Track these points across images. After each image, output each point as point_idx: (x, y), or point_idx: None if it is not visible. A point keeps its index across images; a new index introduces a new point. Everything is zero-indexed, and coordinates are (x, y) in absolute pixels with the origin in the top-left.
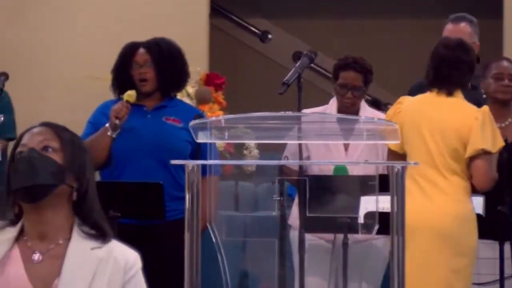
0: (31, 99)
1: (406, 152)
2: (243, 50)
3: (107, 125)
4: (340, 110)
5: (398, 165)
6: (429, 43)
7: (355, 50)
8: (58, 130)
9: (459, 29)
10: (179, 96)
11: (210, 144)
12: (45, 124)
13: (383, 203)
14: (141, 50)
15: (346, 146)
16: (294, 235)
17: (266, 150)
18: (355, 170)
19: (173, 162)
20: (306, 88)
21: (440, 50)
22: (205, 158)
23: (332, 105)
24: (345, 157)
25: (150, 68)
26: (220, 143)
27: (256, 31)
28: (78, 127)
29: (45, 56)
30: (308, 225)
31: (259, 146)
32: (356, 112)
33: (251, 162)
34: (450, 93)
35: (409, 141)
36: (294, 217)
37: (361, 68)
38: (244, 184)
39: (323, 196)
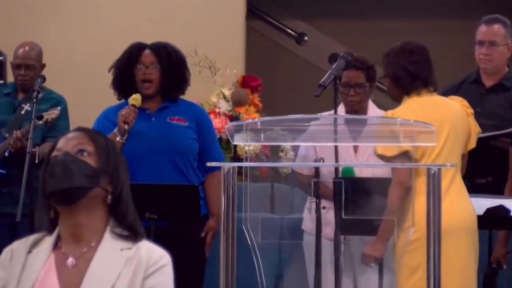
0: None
1: (418, 153)
2: (279, 52)
3: (115, 130)
4: (346, 112)
5: (434, 167)
6: (462, 44)
7: None
8: (92, 135)
9: (493, 30)
10: (214, 98)
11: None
12: (80, 129)
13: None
14: (148, 51)
15: (355, 148)
16: (307, 239)
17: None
18: (363, 172)
19: (210, 164)
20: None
21: (421, 53)
22: (213, 155)
23: (340, 110)
24: (355, 158)
25: (156, 70)
26: (256, 145)
27: (292, 33)
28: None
29: (76, 60)
30: (343, 228)
31: (295, 148)
32: (364, 112)
33: (286, 164)
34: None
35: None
36: (306, 221)
37: (362, 65)
38: (280, 186)
39: (359, 198)
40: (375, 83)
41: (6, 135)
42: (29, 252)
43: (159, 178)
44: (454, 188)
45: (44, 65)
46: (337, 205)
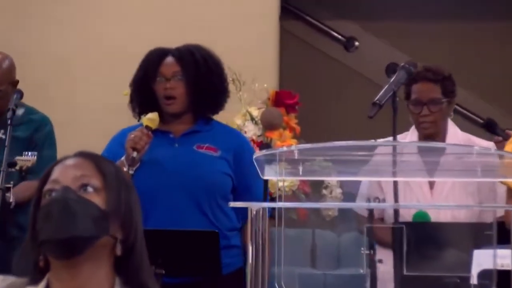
0: (61, 122)
1: None
2: (322, 60)
3: (122, 158)
4: (420, 137)
5: None
6: None
7: (461, 60)
8: (99, 163)
9: None
10: (239, 120)
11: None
12: (83, 155)
13: (503, 258)
14: (169, 59)
15: (431, 183)
16: None
17: (352, 190)
18: (441, 215)
19: (232, 204)
20: (403, 109)
21: None
22: (253, 195)
23: (412, 134)
24: (431, 197)
25: (180, 82)
26: (292, 181)
27: (339, 37)
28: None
29: (77, 67)
30: (404, 286)
31: (342, 184)
32: (442, 137)
33: (332, 205)
34: None
35: None
36: None
37: (436, 75)
38: (324, 233)
39: (425, 249)
40: (455, 98)
41: None
42: None
43: (177, 222)
44: None
45: (16, 82)
46: (397, 258)
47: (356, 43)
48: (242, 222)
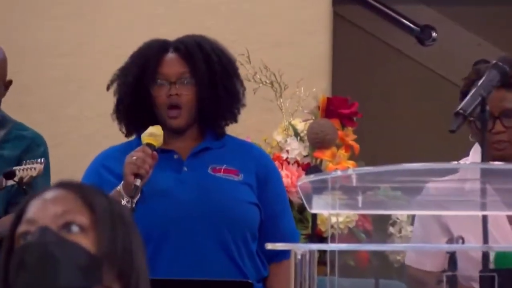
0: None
1: None
2: (388, 57)
3: (119, 187)
4: (490, 159)
5: None
6: None
7: None
8: (86, 194)
9: None
10: (279, 135)
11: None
12: (65, 185)
13: None
14: (172, 56)
15: (509, 218)
16: None
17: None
18: None
19: (271, 246)
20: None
21: None
22: (284, 231)
23: (474, 156)
24: None
25: (188, 87)
26: (349, 215)
27: (411, 25)
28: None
29: (68, 69)
30: None
31: (414, 219)
32: None
33: (401, 246)
34: None
35: None
36: None
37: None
38: (391, 284)
39: None
40: None
41: None
42: None
43: (195, 268)
44: None
45: (9, 82)
46: None
47: (434, 34)
48: (267, 269)
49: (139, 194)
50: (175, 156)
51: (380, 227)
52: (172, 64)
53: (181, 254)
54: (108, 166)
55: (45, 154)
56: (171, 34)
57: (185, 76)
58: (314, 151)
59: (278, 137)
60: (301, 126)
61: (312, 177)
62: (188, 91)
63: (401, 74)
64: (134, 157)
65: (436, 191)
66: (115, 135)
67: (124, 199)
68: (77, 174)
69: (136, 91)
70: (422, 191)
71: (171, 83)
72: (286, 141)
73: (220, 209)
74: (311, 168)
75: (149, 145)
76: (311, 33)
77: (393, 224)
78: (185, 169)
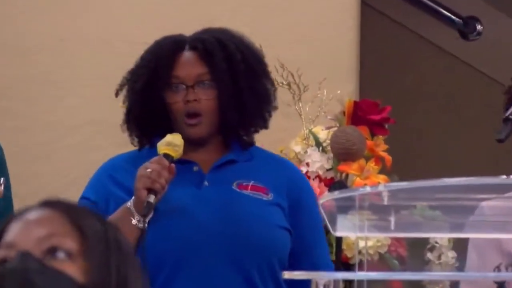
0: (26, 147)
1: None
2: (425, 53)
3: (129, 204)
4: None
5: None
6: None
7: None
8: (75, 216)
9: None
10: (298, 145)
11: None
12: (51, 204)
13: None
14: (189, 55)
15: None
16: None
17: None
18: None
19: (288, 275)
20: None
21: None
22: (317, 261)
23: None
24: None
25: (208, 91)
26: (379, 239)
27: (452, 17)
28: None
29: (50, 68)
30: None
31: (456, 244)
32: None
33: (441, 275)
34: None
35: None
36: None
37: None
38: None
39: None
40: None
41: None
42: None
43: None
44: None
45: None
46: None
47: (479, 27)
48: None
49: (152, 213)
50: (195, 168)
51: (416, 252)
52: (188, 64)
53: (198, 285)
54: (115, 177)
55: (1, 162)
56: (170, 26)
57: (204, 78)
58: (338, 164)
59: (297, 148)
60: (323, 134)
61: (336, 194)
62: (208, 96)
63: (440, 74)
64: (149, 170)
65: (492, 211)
66: (106, 146)
67: (135, 218)
68: (61, 191)
69: (148, 97)
70: (475, 211)
71: (188, 87)
72: (306, 152)
73: (246, 232)
74: (335, 184)
75: (166, 156)
76: (335, 26)
77: (432, 249)
78: (206, 183)
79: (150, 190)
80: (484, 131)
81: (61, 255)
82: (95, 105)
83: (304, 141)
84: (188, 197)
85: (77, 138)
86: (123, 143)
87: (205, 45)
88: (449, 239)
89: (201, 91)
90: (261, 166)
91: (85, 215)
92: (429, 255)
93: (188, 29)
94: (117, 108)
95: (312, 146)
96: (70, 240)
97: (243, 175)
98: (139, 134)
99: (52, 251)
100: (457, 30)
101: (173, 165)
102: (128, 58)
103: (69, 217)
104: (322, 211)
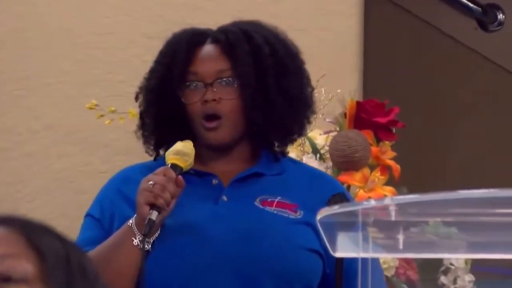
0: None
1: None
2: (437, 45)
3: (130, 222)
4: None
5: None
6: None
7: None
8: (34, 235)
9: None
10: (293, 151)
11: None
12: (4, 221)
13: None
14: (210, 49)
15: None
16: None
17: (488, 277)
18: None
19: None
20: None
21: None
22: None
23: None
24: None
25: (230, 90)
26: (386, 260)
27: (470, 4)
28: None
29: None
30: None
31: (474, 265)
32: None
33: None
34: None
35: None
36: None
37: None
38: None
39: None
40: None
41: None
42: None
43: None
44: None
45: None
46: None
47: (500, 16)
48: None
49: (157, 232)
50: (214, 182)
51: (428, 276)
52: (208, 59)
53: None
54: (124, 192)
55: None
56: (149, 16)
57: (225, 75)
58: (339, 173)
59: (291, 155)
60: (321, 140)
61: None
62: (230, 95)
63: (456, 69)
64: (151, 182)
65: None
66: (73, 154)
67: (136, 238)
68: (17, 206)
69: (164, 98)
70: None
71: (207, 85)
72: (301, 160)
73: (264, 254)
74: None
75: (173, 166)
76: (335, 14)
77: (446, 272)
78: (225, 198)
79: (153, 206)
80: (507, 137)
81: (15, 280)
82: (59, 106)
83: (299, 148)
84: (201, 213)
85: (38, 144)
86: (95, 150)
87: (228, 37)
88: (466, 261)
89: (222, 89)
90: (292, 180)
91: (44, 234)
92: (443, 279)
93: (167, 17)
94: (84, 110)
95: (308, 153)
96: (26, 263)
97: (270, 190)
98: (155, 141)
99: (5, 275)
100: (475, 19)
101: (180, 177)
102: (95, 50)
103: (26, 236)
104: (319, 228)
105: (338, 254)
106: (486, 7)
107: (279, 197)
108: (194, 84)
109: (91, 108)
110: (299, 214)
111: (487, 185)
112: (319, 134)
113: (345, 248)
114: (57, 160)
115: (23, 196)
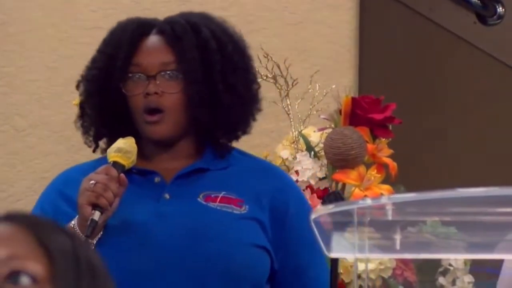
0: None
1: None
2: (435, 40)
3: (73, 223)
4: None
5: None
6: None
7: None
8: (43, 233)
9: None
10: (284, 152)
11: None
12: (14, 219)
13: None
14: (154, 40)
15: None
16: None
17: (489, 278)
18: None
19: None
20: None
21: None
22: (314, 281)
23: None
24: None
25: (173, 83)
26: (383, 261)
27: None
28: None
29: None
30: None
31: (474, 266)
32: None
33: None
34: None
35: None
36: None
37: None
38: None
39: None
40: None
41: None
42: None
43: None
44: None
45: None
46: None
47: (500, 10)
48: None
49: (101, 231)
50: (156, 179)
51: (426, 277)
52: (152, 51)
53: None
54: (66, 193)
55: None
56: (137, 10)
57: (169, 68)
58: (334, 172)
59: (284, 153)
60: (315, 137)
61: (331, 208)
62: (173, 89)
63: (455, 65)
64: (93, 181)
65: None
66: (58, 153)
67: None
68: (4, 205)
69: (105, 89)
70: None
71: (150, 77)
72: (295, 158)
73: (208, 253)
74: (330, 195)
75: (115, 164)
76: (330, 7)
77: (444, 273)
78: (167, 196)
79: (95, 206)
80: (507, 133)
81: (25, 280)
82: (45, 103)
83: (293, 145)
84: (143, 213)
85: (22, 143)
86: (82, 149)
87: (174, 29)
88: (465, 261)
89: (165, 82)
90: (237, 174)
91: (53, 232)
92: (441, 280)
93: (155, 11)
94: (71, 107)
95: (302, 151)
96: (35, 263)
97: (213, 185)
98: (94, 133)
99: (14, 275)
100: (475, 13)
101: (123, 175)
102: (82, 45)
103: (35, 235)
104: (314, 228)
105: (333, 255)
106: (485, 0)
107: (224, 192)
108: (137, 76)
109: (77, 104)
110: (244, 209)
111: (487, 183)
112: (313, 131)
113: (340, 248)
114: (43, 159)
115: (8, 196)
